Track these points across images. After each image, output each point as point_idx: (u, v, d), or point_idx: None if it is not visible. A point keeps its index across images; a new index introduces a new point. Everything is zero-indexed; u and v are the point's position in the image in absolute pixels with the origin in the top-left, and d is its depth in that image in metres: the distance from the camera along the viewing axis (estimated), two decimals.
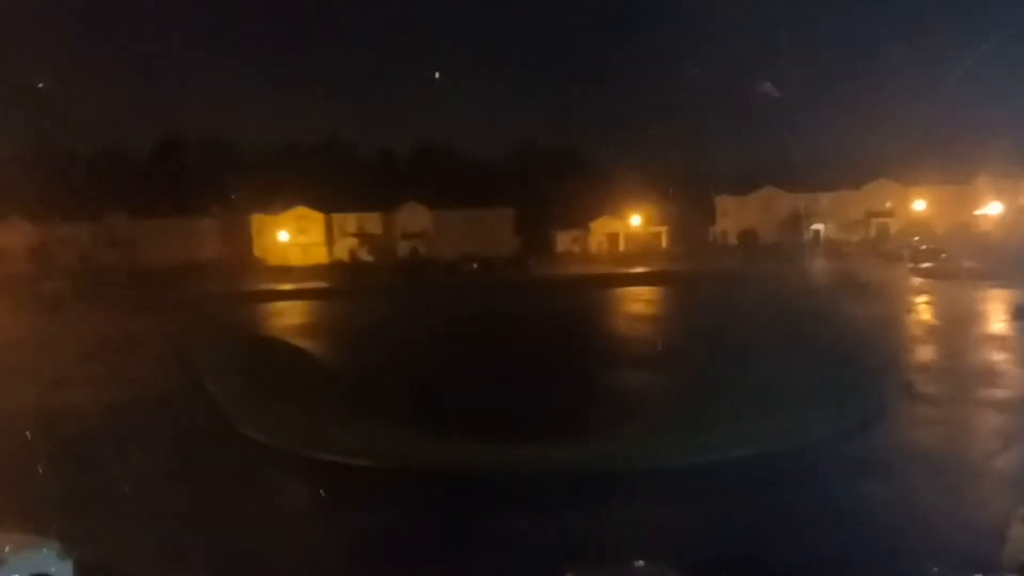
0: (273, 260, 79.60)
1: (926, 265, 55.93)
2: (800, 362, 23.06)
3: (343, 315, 46.78)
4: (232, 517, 14.04)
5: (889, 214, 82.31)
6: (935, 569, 8.58)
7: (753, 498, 13.71)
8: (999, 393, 21.21)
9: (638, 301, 48.89)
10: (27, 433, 19.07)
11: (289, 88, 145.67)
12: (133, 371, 27.49)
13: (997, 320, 33.54)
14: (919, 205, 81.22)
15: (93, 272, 65.12)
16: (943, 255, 58.36)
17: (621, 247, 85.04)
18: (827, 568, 10.93)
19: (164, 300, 51.42)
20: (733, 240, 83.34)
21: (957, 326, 32.18)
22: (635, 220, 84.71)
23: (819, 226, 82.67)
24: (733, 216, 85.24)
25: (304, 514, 14.60)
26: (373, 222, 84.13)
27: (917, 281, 49.74)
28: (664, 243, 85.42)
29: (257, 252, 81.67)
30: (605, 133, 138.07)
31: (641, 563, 9.24)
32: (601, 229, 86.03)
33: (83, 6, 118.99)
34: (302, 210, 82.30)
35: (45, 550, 10.37)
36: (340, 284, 63.01)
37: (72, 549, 10.37)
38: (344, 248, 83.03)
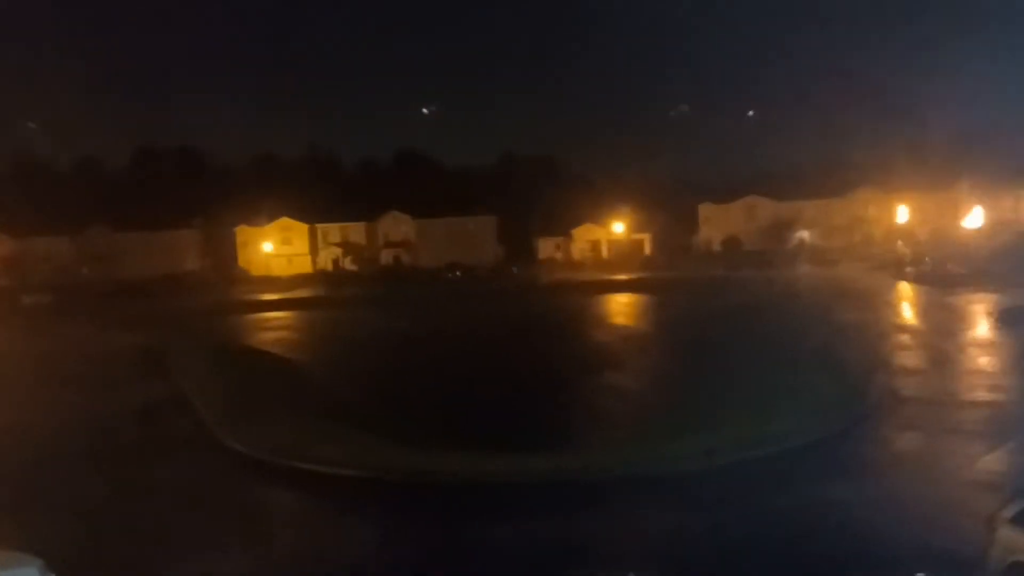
0: (258, 271, 79.51)
1: (909, 271, 56.49)
2: (785, 367, 23.18)
3: (327, 325, 46.73)
4: (215, 528, 14.05)
5: (873, 221, 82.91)
6: (920, 574, 8.58)
7: (737, 503, 13.72)
8: (983, 395, 21.36)
9: (620, 308, 49.09)
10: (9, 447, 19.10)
11: (272, 100, 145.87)
12: (116, 384, 27.37)
13: (981, 324, 33.76)
14: (902, 212, 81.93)
15: (76, 286, 64.93)
16: (926, 260, 58.96)
17: (604, 254, 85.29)
18: (811, 572, 10.94)
19: (148, 313, 51.15)
20: (717, 247, 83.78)
21: (941, 330, 32.39)
22: (618, 227, 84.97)
23: (804, 233, 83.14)
24: (716, 223, 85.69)
25: (288, 524, 14.56)
26: (357, 232, 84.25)
27: (901, 286, 50.18)
28: (647, 250, 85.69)
29: (242, 263, 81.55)
30: (587, 141, 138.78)
31: (631, 574, 9.33)
32: (583, 236, 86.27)
33: (63, 18, 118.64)
34: (286, 221, 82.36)
35: (28, 566, 10.09)
36: (324, 294, 63.06)
37: (54, 563, 10.20)
38: (328, 258, 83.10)
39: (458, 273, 73.98)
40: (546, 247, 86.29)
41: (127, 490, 16.14)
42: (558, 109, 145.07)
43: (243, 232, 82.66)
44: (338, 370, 30.14)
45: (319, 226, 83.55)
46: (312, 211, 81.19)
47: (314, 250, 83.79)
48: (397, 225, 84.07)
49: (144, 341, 36.59)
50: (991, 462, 15.56)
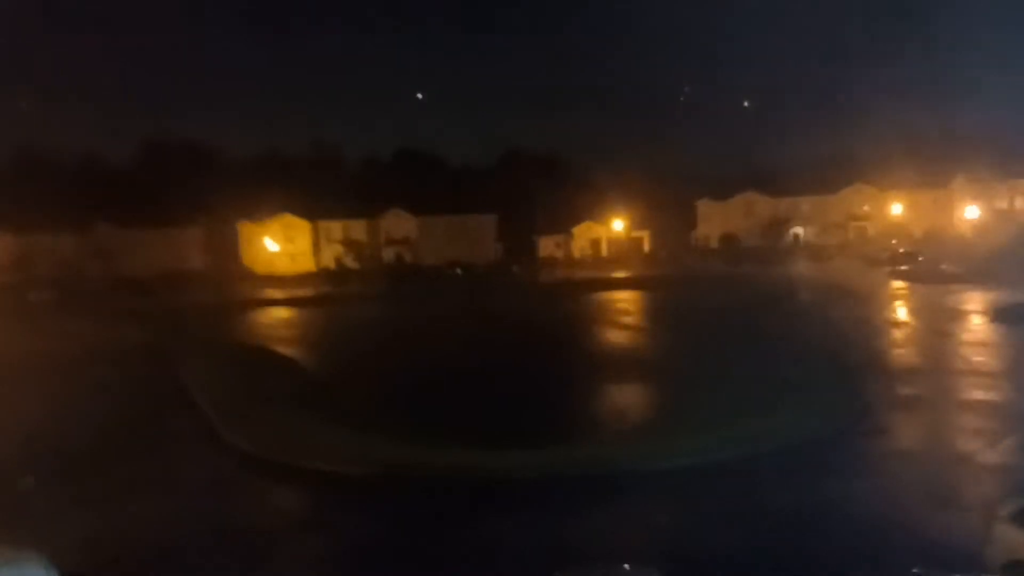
0: (262, 268, 79.91)
1: (904, 268, 56.50)
2: (784, 364, 23.23)
3: (330, 322, 47.07)
4: (220, 527, 14.11)
5: (867, 218, 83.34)
6: (915, 570, 8.37)
7: (739, 501, 13.86)
8: (977, 393, 21.46)
9: (621, 305, 49.37)
10: (10, 446, 19.16)
11: (275, 96, 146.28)
12: (120, 380, 27.49)
13: (974, 322, 33.77)
14: (896, 209, 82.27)
15: (82, 282, 65.29)
16: (920, 258, 59.08)
17: (603, 252, 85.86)
18: (809, 569, 11.04)
19: (154, 310, 51.41)
20: (715, 244, 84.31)
21: (935, 328, 32.40)
22: (617, 225, 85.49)
23: (798, 230, 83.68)
24: (714, 220, 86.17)
25: (291, 523, 14.60)
26: (358, 229, 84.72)
27: (895, 284, 50.11)
28: (646, 247, 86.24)
29: (246, 261, 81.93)
30: (587, 139, 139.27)
31: (627, 567, 8.88)
32: (583, 234, 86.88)
33: (68, 12, 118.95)
34: (289, 218, 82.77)
35: (30, 563, 9.74)
36: (326, 291, 63.29)
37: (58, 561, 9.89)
38: (330, 255, 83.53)
39: (459, 271, 74.43)
40: (546, 245, 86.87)
41: (132, 483, 16.29)
42: (558, 107, 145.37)
43: (247, 229, 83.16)
44: (342, 367, 30.30)
45: (321, 223, 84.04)
46: (314, 208, 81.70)
47: (316, 247, 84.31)
48: (398, 223, 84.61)
49: (149, 338, 36.94)
50: (988, 460, 15.68)
